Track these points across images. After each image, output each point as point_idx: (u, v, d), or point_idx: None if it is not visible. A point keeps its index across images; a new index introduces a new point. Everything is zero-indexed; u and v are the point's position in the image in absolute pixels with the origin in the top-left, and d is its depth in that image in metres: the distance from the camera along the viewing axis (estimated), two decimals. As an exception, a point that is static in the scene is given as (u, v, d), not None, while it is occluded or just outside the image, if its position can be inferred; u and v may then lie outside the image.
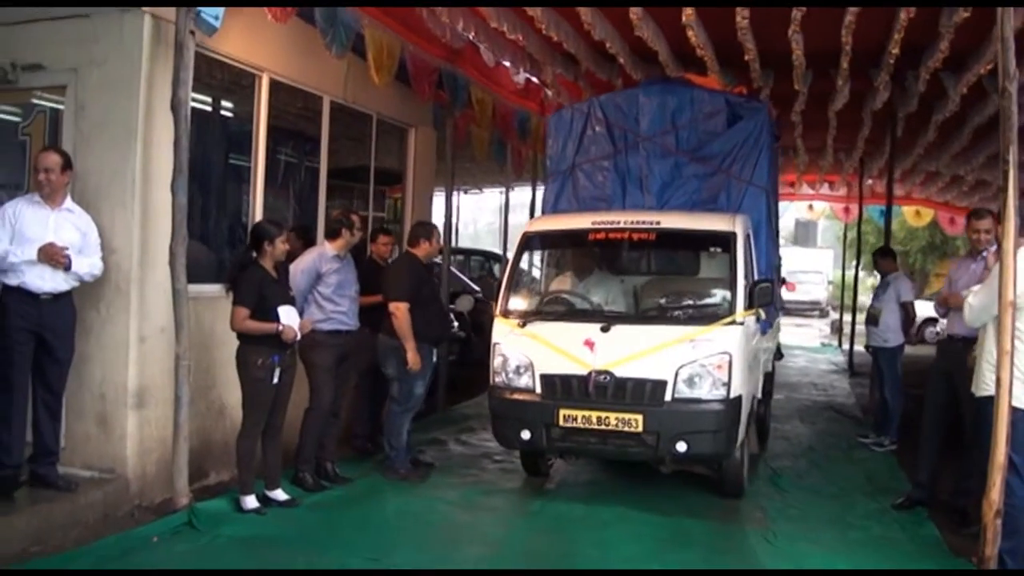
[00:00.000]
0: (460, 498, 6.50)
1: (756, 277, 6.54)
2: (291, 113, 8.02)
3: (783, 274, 27.24)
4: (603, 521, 6.00)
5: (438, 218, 10.59)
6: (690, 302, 6.48)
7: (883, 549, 5.63)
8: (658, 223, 6.61)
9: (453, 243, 11.07)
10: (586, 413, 5.92)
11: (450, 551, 5.39)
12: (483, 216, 37.41)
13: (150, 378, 5.93)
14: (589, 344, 5.95)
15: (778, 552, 5.51)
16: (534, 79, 10.64)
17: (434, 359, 7.04)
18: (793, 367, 15.70)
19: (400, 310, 6.66)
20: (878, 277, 9.89)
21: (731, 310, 6.03)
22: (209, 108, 7.04)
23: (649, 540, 5.64)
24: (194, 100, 6.15)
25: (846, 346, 16.70)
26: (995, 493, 4.65)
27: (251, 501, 5.86)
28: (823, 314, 29.70)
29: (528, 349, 6.21)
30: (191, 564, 4.95)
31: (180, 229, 5.65)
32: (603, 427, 5.89)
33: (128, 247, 5.82)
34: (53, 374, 5.48)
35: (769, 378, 8.58)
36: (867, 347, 9.66)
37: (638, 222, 6.66)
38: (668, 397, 5.83)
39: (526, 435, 6.11)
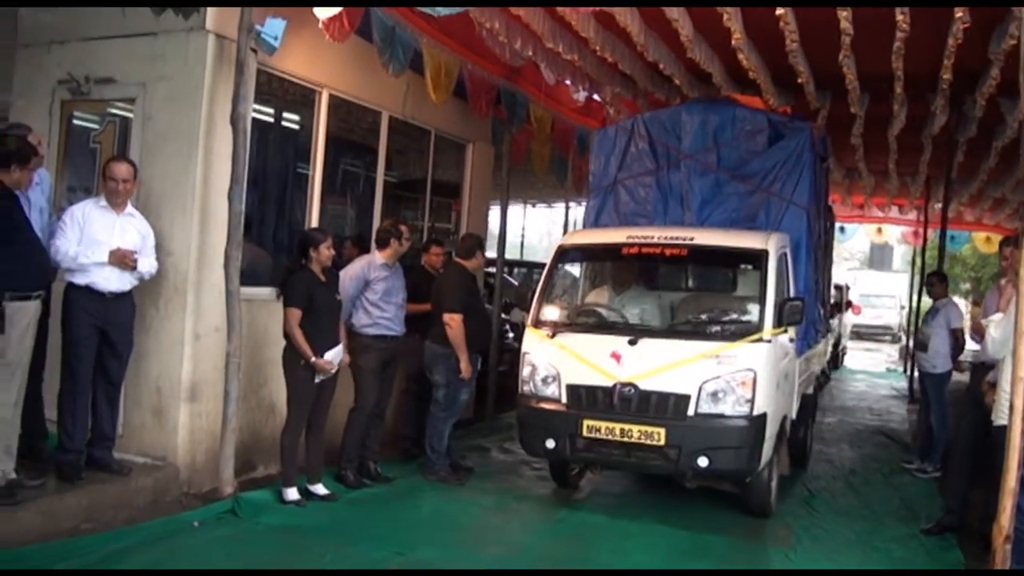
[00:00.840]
0: (493, 502, 6.68)
1: (791, 296, 6.59)
2: (350, 127, 8.29)
3: (853, 297, 26.73)
4: (624, 531, 6.12)
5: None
6: (719, 318, 6.44)
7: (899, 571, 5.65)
8: (691, 239, 6.64)
9: (521, 256, 11.38)
10: (610, 424, 5.96)
11: (472, 550, 5.59)
12: (557, 229, 37.76)
13: (203, 374, 6.24)
14: (616, 356, 6.01)
15: (795, 568, 5.59)
16: (595, 97, 10.83)
17: (478, 367, 7.24)
18: (852, 391, 15.53)
19: (455, 321, 6.92)
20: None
21: (759, 327, 6.02)
22: (272, 120, 7.37)
23: (665, 551, 5.75)
24: (257, 112, 6.59)
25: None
26: (1004, 518, 4.63)
27: (292, 493, 6.15)
28: (895, 339, 28.90)
29: (556, 359, 6.28)
30: (228, 548, 5.26)
31: (235, 234, 5.96)
32: (626, 439, 5.92)
33: (186, 250, 6.15)
34: (113, 367, 5.78)
35: (811, 400, 8.57)
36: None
37: (671, 238, 6.69)
38: (691, 411, 5.84)
39: (550, 444, 6.17)
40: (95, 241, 5.54)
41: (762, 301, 6.13)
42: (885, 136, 10.44)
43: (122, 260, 5.60)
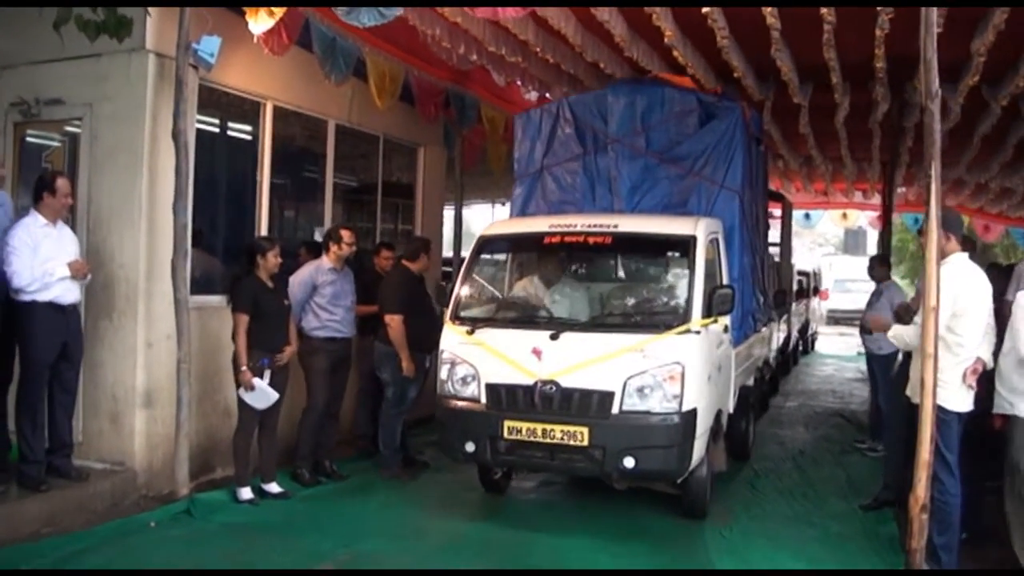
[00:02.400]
0: (442, 495, 6.91)
1: (724, 284, 6.59)
2: (297, 135, 8.57)
3: (828, 282, 26.74)
4: (563, 514, 6.38)
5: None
6: (646, 309, 6.31)
7: (834, 545, 5.85)
8: (615, 227, 6.48)
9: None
10: (531, 425, 5.72)
11: (413, 540, 5.84)
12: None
13: (156, 380, 6.47)
14: (536, 352, 5.81)
15: (729, 545, 5.82)
16: (547, 96, 11.03)
17: (427, 365, 7.46)
18: (818, 375, 15.80)
19: (395, 321, 7.12)
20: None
21: (686, 318, 5.84)
22: (218, 132, 7.61)
23: (605, 530, 5.99)
24: (205, 125, 6.99)
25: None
26: (921, 489, 4.88)
27: (246, 492, 6.39)
28: (871, 323, 29.05)
29: (474, 357, 6.04)
30: (181, 546, 5.52)
31: (181, 245, 6.24)
32: (549, 440, 5.68)
33: (136, 262, 6.39)
34: (69, 376, 5.97)
35: (755, 391, 8.65)
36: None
37: (595, 226, 6.52)
38: (615, 409, 5.61)
39: (470, 447, 5.91)
40: (49, 258, 5.71)
41: (690, 290, 5.96)
42: (833, 124, 10.56)
43: (80, 271, 5.84)
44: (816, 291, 20.69)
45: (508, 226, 7.49)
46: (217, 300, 6.95)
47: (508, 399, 5.89)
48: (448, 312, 6.45)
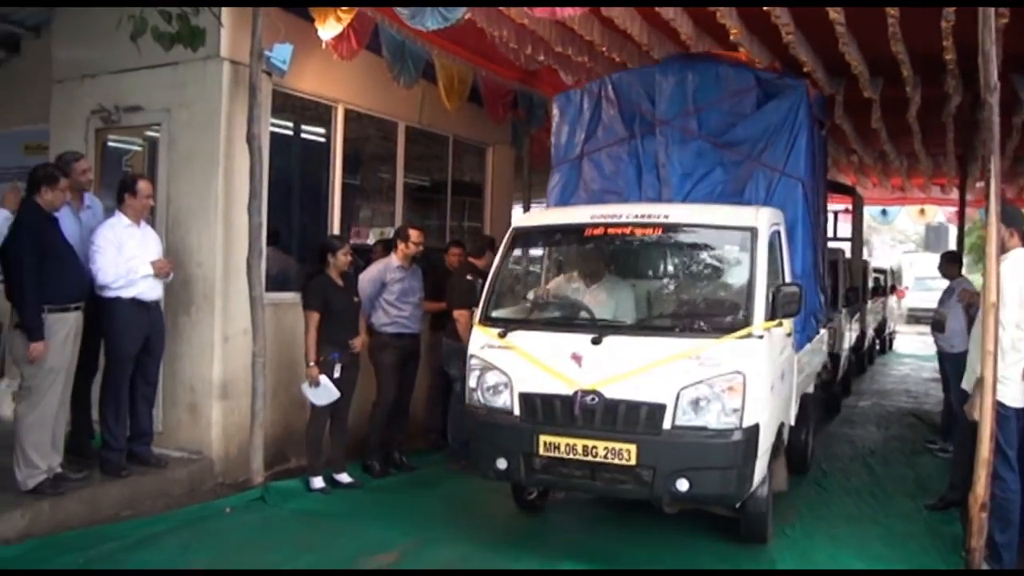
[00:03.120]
0: (505, 487, 6.88)
1: (786, 282, 6.05)
2: (368, 137, 8.76)
3: (908, 280, 25.72)
4: (619, 505, 6.25)
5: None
6: (701, 310, 5.74)
7: (896, 545, 5.73)
8: (666, 217, 5.83)
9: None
10: (570, 441, 5.06)
11: (476, 530, 5.92)
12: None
13: (233, 373, 6.67)
14: (576, 359, 5.14)
15: (790, 543, 5.73)
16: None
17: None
18: (894, 375, 15.46)
19: (463, 316, 7.20)
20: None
21: (747, 321, 5.19)
22: (292, 135, 7.86)
23: (664, 522, 5.78)
24: (279, 128, 7.23)
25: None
26: (980, 487, 4.76)
27: (318, 482, 6.58)
28: (952, 321, 27.93)
29: (506, 363, 5.36)
30: (254, 531, 5.73)
31: (256, 244, 6.44)
32: (591, 458, 5.01)
33: (213, 260, 6.61)
34: (151, 369, 6.24)
35: (819, 395, 8.08)
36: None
37: (643, 216, 5.85)
38: (667, 424, 4.95)
39: (502, 463, 5.28)
40: (133, 256, 5.96)
41: (751, 288, 5.33)
42: (906, 118, 10.27)
43: (163, 269, 6.10)
44: (893, 289, 20.02)
45: (545, 217, 6.70)
46: (292, 296, 7.15)
47: (544, 411, 5.22)
48: (478, 312, 5.84)
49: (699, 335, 5.29)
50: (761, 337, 5.24)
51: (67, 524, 5.38)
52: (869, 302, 14.60)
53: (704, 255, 6.42)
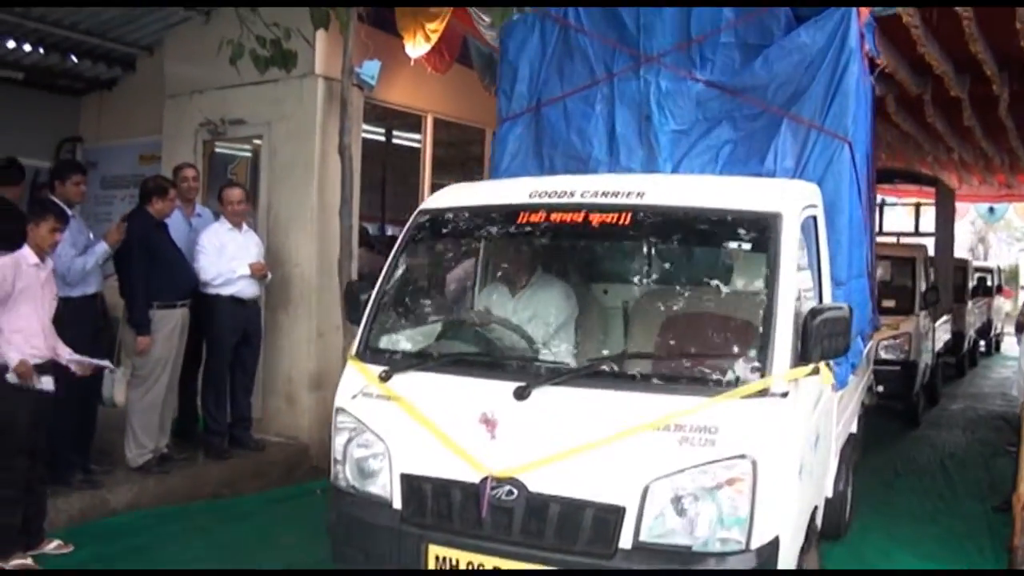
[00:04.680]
0: None
1: (827, 294, 3.89)
2: (456, 143, 9.34)
3: (1020, 282, 24.03)
4: None
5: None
6: (686, 348, 3.39)
7: (952, 544, 5.44)
8: (640, 196, 3.56)
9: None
10: (474, 558, 3.09)
11: None
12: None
13: (326, 365, 6.73)
14: (488, 423, 3.16)
15: (843, 540, 5.30)
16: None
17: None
18: (994, 378, 14.27)
19: None
20: None
21: (763, 367, 3.02)
22: (383, 142, 9.03)
23: None
24: (372, 135, 8.18)
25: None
26: (1023, 487, 4.70)
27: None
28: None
29: (386, 425, 3.39)
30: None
31: (347, 246, 6.36)
32: None
33: (309, 262, 6.81)
34: (250, 360, 6.48)
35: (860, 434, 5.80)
36: None
37: (606, 194, 3.61)
38: (626, 540, 2.95)
39: None
40: (233, 258, 6.19)
41: (770, 315, 3.12)
42: (998, 115, 8.95)
43: (259, 271, 6.32)
44: (999, 289, 18.68)
45: (465, 195, 4.14)
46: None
47: (437, 506, 3.26)
48: (356, 340, 3.72)
49: (684, 389, 3.11)
50: (785, 395, 3.07)
51: (170, 499, 5.65)
52: (969, 303, 14.05)
53: (697, 258, 4.02)
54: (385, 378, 3.46)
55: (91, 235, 5.76)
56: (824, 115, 4.24)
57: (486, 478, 3.12)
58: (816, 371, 3.19)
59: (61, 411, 4.74)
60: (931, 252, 10.68)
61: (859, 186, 4.56)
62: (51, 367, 4.48)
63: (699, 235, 3.51)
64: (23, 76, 8.13)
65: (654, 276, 3.73)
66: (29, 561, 4.46)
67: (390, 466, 3.35)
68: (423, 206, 4.09)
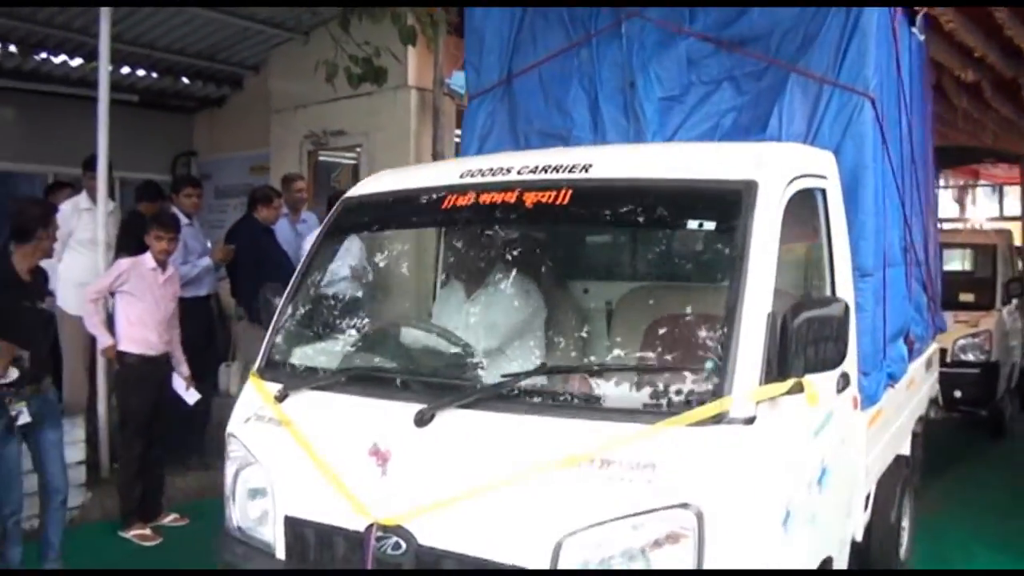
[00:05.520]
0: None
1: (844, 288, 3.09)
2: None
3: None
4: None
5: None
6: (629, 360, 2.67)
7: None
8: (586, 170, 2.81)
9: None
10: None
11: None
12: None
13: None
14: (379, 456, 2.48)
15: (927, 526, 4.82)
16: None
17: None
18: None
19: None
20: None
21: (719, 384, 2.25)
22: None
23: None
24: None
25: None
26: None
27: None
28: None
29: (273, 456, 2.76)
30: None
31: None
32: None
33: None
34: None
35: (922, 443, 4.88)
36: None
37: (546, 169, 2.88)
38: None
39: None
40: None
41: (732, 313, 2.33)
42: None
43: (358, 276, 6.59)
44: None
45: (392, 180, 3.41)
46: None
47: (320, 559, 2.60)
48: (261, 353, 3.11)
49: (618, 413, 2.34)
50: (750, 421, 2.27)
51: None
52: None
53: (652, 244, 3.28)
54: (280, 399, 2.83)
55: (208, 243, 6.25)
56: (838, 66, 3.40)
57: (371, 525, 2.44)
58: (798, 388, 2.37)
59: (180, 401, 5.13)
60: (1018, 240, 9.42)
61: (890, 154, 3.68)
62: (166, 360, 4.97)
63: (653, 215, 2.68)
64: (138, 99, 8.76)
65: (597, 269, 2.88)
66: (147, 531, 4.91)
67: (274, 506, 2.71)
68: (347, 194, 3.41)
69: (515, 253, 2.94)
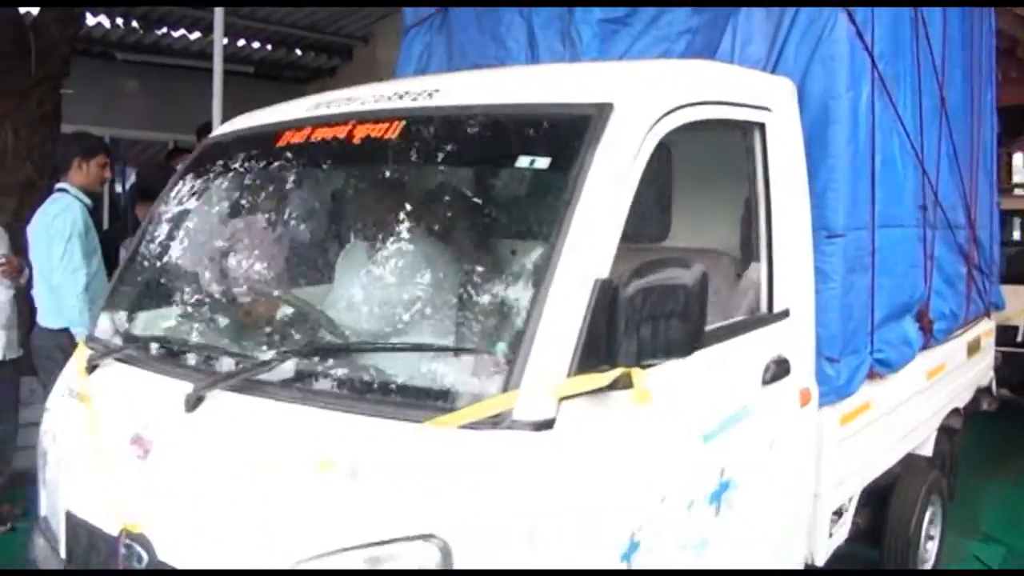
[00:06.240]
0: None
1: (798, 253, 2.50)
2: None
3: None
4: None
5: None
6: (423, 332, 1.97)
7: None
8: (432, 95, 2.19)
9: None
10: None
11: None
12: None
13: None
14: (140, 445, 2.00)
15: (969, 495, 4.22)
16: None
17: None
18: None
19: None
20: None
21: (509, 373, 1.64)
22: None
23: None
24: None
25: None
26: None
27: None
28: None
29: (69, 437, 2.31)
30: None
31: None
32: None
33: None
34: None
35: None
36: None
37: (392, 97, 2.26)
38: None
39: None
40: None
41: (540, 279, 1.70)
42: None
43: None
44: None
45: (251, 119, 2.78)
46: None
47: (87, 561, 2.15)
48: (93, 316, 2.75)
49: (386, 407, 1.75)
50: (548, 424, 1.65)
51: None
52: None
53: (485, 186, 2.33)
54: (90, 370, 2.39)
55: None
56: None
57: (121, 532, 1.99)
58: (625, 382, 1.73)
59: None
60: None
61: (891, 94, 2.90)
62: None
63: (489, 149, 2.06)
64: (253, 70, 8.79)
65: (413, 220, 2.25)
66: None
67: (60, 498, 2.29)
68: (211, 136, 2.92)
69: (335, 201, 2.36)
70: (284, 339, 2.05)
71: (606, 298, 1.70)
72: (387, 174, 2.23)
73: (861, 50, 2.70)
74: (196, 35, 8.16)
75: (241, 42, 8.34)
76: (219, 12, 5.33)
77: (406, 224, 2.11)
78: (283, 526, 1.73)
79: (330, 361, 1.88)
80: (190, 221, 2.59)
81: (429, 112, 2.15)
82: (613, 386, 1.71)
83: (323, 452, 1.74)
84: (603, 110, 1.89)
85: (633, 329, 1.69)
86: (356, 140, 2.19)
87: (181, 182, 2.69)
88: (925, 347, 3.32)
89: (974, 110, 3.93)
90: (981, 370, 4.22)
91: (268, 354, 1.99)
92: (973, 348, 3.98)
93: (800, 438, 2.50)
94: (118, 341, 2.46)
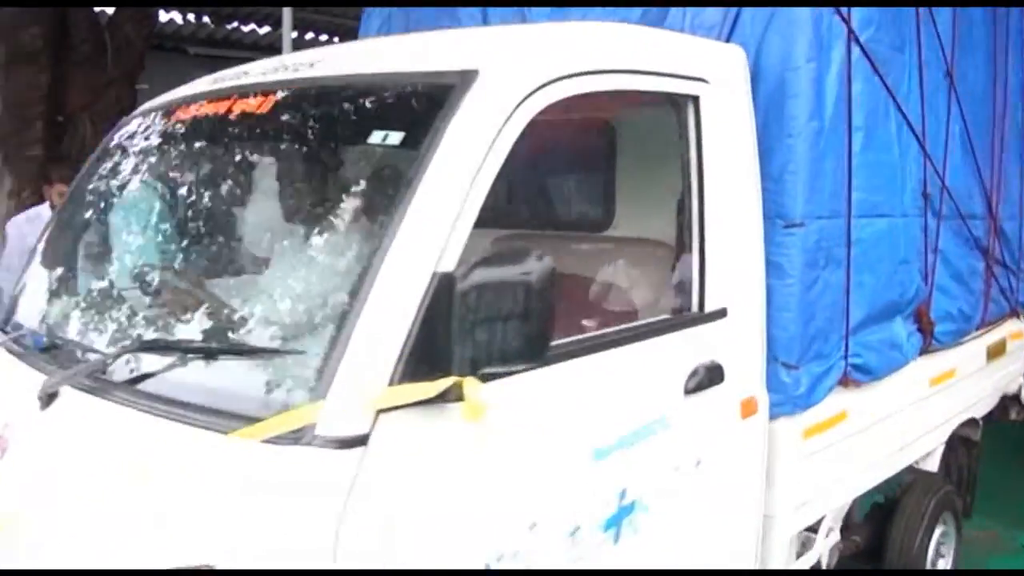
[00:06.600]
0: None
1: (747, 244, 2.20)
2: None
3: None
4: None
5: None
6: (243, 334, 1.64)
7: None
8: (312, 66, 1.99)
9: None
10: None
11: None
12: None
13: None
14: (1, 442, 1.81)
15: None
16: None
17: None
18: None
19: None
20: None
21: (318, 376, 1.43)
22: None
23: None
24: None
25: None
26: None
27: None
28: None
29: None
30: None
31: None
32: None
33: None
34: None
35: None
36: None
37: (278, 69, 2.05)
38: None
39: None
40: None
41: (365, 270, 1.48)
42: None
43: None
44: None
45: (176, 92, 2.44)
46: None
47: None
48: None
49: (196, 414, 1.53)
50: (361, 440, 1.41)
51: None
52: None
53: (337, 165, 1.98)
54: None
55: None
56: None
57: None
58: (457, 394, 1.47)
59: None
60: None
61: (879, 70, 2.55)
62: None
63: (350, 124, 1.81)
64: None
65: (255, 203, 2.01)
66: None
67: None
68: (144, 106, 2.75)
69: (203, 180, 2.14)
70: (125, 335, 1.86)
71: (447, 295, 1.46)
72: (250, 152, 2.03)
73: (831, 15, 2.36)
74: (266, 29, 8.36)
75: (309, 35, 8.48)
76: (287, 8, 5.35)
77: (243, 209, 1.90)
78: (89, 547, 1.53)
79: (152, 361, 1.68)
80: (86, 205, 2.43)
81: (298, 84, 1.95)
82: (445, 398, 1.46)
83: (134, 460, 1.55)
84: (466, 78, 1.64)
85: (464, 331, 1.44)
86: (235, 115, 1.99)
87: (87, 165, 2.53)
88: (926, 351, 2.96)
89: (999, 90, 3.50)
90: (1008, 376, 3.78)
91: (110, 350, 1.81)
92: (996, 352, 3.55)
93: (741, 454, 2.20)
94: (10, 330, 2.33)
